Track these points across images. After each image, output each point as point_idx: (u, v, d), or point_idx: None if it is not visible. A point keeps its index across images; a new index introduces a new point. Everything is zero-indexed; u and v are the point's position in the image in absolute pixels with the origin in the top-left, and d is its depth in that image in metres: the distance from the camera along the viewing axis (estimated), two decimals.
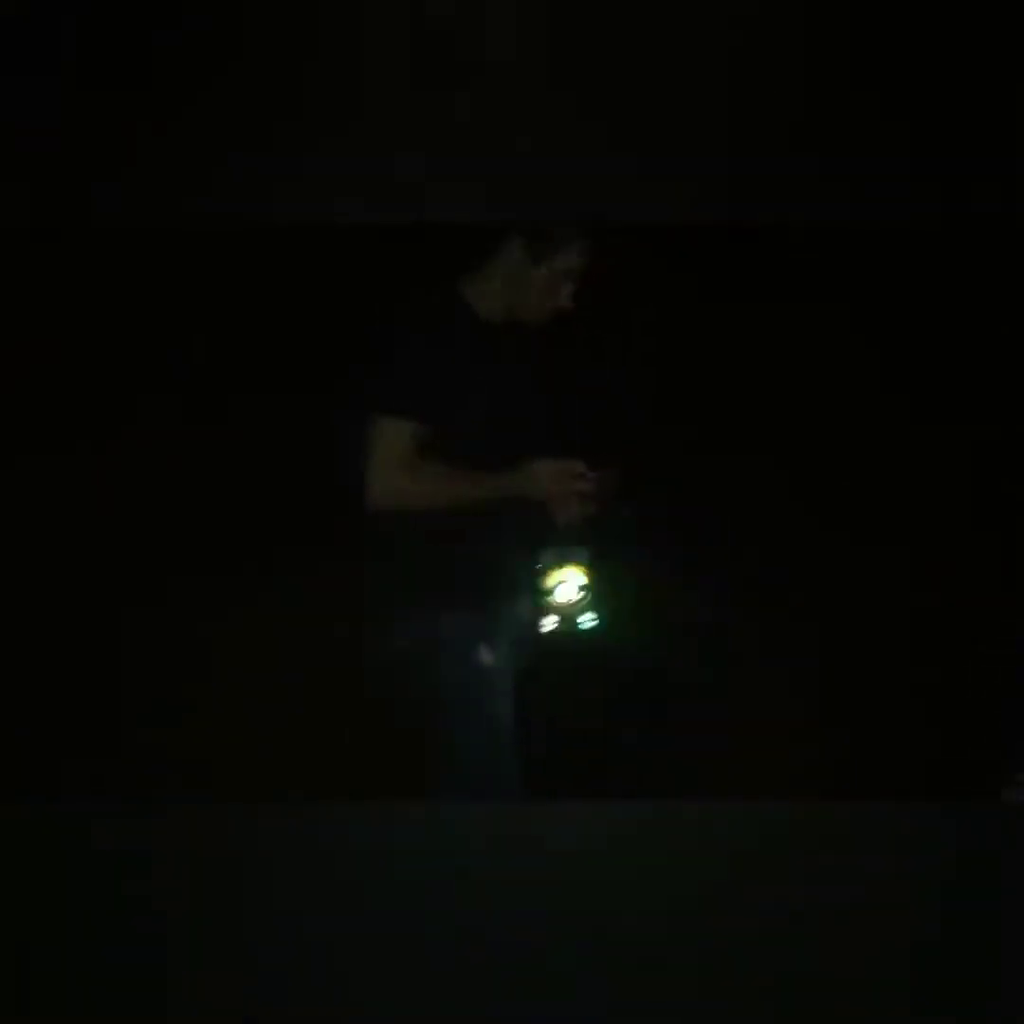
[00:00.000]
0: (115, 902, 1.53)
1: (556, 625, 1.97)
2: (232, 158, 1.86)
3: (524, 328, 1.96)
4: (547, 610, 1.97)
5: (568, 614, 1.96)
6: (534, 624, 1.98)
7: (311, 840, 1.60)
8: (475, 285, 1.94)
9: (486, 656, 1.92)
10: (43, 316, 2.57)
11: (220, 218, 1.90)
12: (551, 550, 1.98)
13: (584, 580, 1.96)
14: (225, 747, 2.45)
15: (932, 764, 2.47)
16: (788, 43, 1.90)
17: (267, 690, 2.58)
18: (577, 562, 1.97)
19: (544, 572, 1.97)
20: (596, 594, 1.97)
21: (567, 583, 1.97)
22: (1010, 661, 2.63)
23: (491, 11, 1.86)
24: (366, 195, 1.91)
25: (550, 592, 1.97)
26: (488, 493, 1.92)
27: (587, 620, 1.97)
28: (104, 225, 1.87)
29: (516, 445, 1.95)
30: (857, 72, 1.92)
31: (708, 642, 2.65)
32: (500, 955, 1.51)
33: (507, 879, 1.58)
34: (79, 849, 1.57)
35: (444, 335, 1.88)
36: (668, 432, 2.75)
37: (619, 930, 1.55)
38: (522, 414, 1.98)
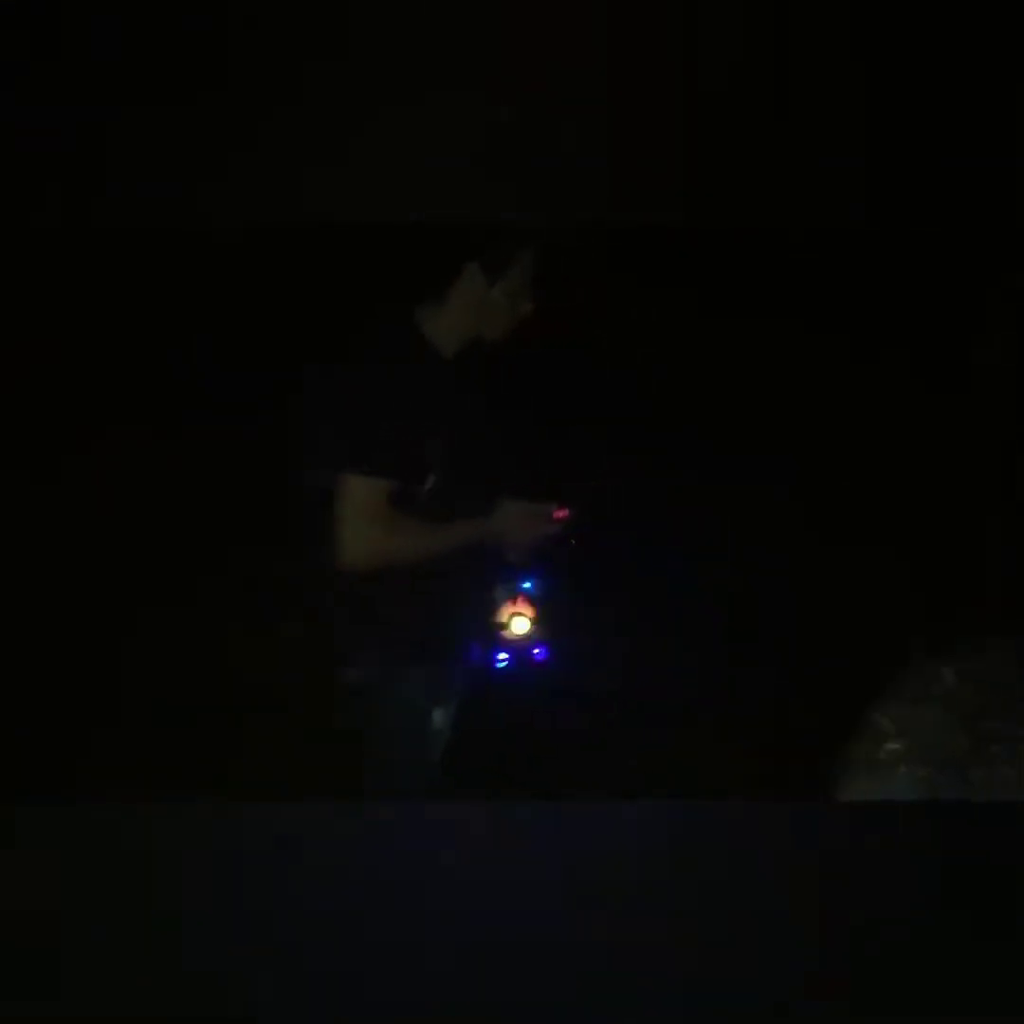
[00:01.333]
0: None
1: (509, 657, 2.01)
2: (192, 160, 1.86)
3: (487, 349, 1.94)
4: (500, 643, 2.01)
5: (520, 646, 2.01)
6: (487, 658, 2.01)
7: (303, 841, 1.61)
8: (435, 319, 1.90)
9: (436, 687, 1.95)
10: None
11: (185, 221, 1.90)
12: (502, 585, 2.01)
13: (533, 612, 2.00)
14: (185, 750, 2.53)
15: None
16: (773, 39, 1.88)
17: (224, 703, 2.64)
18: (527, 595, 2.01)
19: (497, 606, 2.01)
20: (545, 625, 2.01)
21: (519, 616, 2.01)
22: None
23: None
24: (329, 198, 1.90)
25: (504, 626, 2.00)
26: (461, 540, 1.91)
27: (538, 651, 2.01)
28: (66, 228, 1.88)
29: (481, 487, 1.96)
30: (847, 71, 1.90)
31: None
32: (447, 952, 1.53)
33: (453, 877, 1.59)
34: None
35: (410, 385, 1.84)
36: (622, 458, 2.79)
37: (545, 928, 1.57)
38: (485, 454, 1.98)
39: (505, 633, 2.00)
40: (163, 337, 3.86)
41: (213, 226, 2.03)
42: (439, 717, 1.98)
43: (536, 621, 2.00)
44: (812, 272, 3.80)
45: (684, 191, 1.87)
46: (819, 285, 3.96)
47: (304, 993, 1.48)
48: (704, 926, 1.59)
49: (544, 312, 1.97)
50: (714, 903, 1.60)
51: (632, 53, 1.85)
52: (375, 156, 1.89)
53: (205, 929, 1.51)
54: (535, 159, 1.86)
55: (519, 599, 2.02)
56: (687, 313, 4.82)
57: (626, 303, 4.68)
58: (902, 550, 4.16)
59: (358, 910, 1.55)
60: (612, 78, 1.85)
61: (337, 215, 1.94)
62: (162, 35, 1.81)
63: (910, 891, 1.57)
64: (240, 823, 1.64)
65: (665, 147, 1.86)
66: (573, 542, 2.04)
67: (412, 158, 1.90)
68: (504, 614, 2.01)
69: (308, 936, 1.50)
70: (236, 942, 1.49)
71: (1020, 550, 3.62)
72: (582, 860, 1.61)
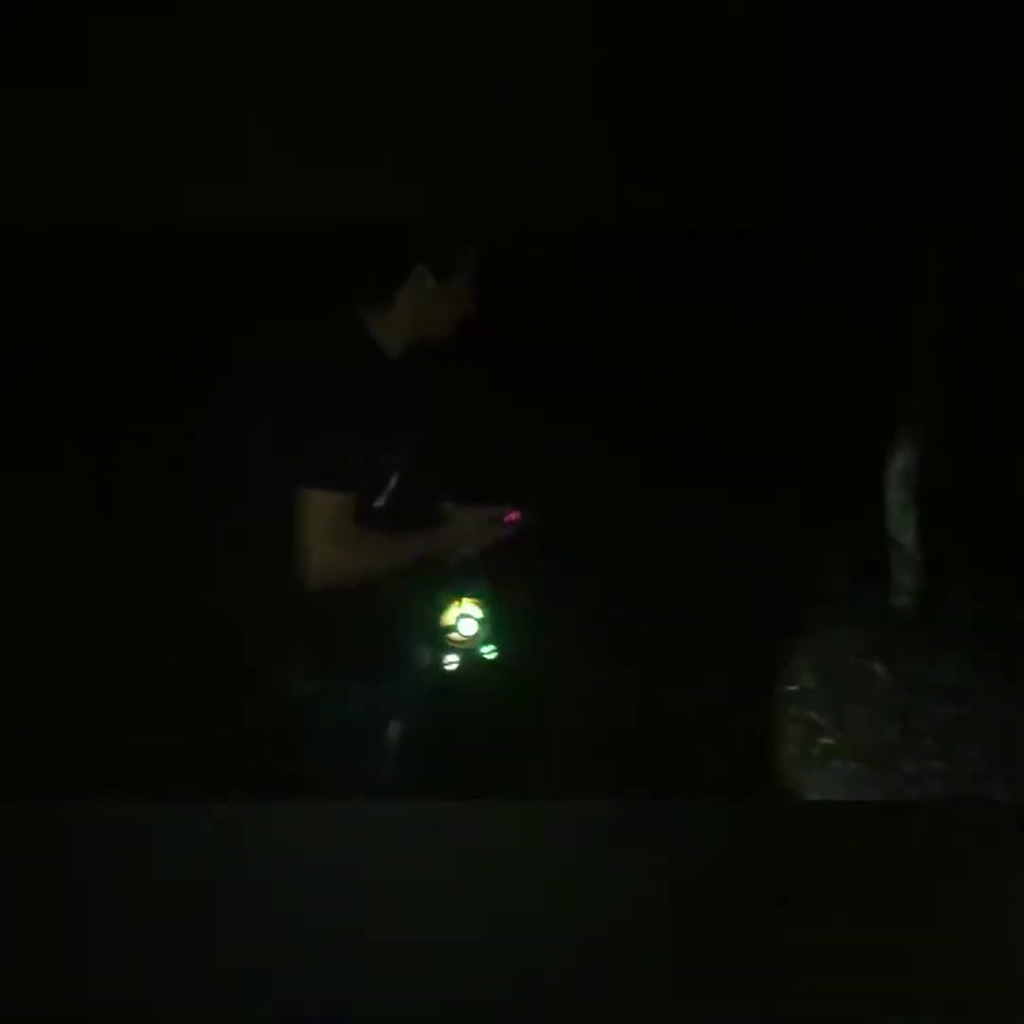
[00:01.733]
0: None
1: (458, 659, 2.02)
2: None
3: (430, 346, 1.91)
4: (449, 645, 2.01)
5: (469, 647, 2.01)
6: (437, 661, 2.02)
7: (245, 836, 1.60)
8: (382, 320, 1.85)
9: (385, 693, 1.96)
10: None
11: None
12: (449, 585, 2.02)
13: (481, 613, 2.01)
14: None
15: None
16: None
17: (177, 706, 2.76)
18: (474, 595, 2.02)
19: (444, 608, 2.02)
20: (494, 625, 2.01)
21: (467, 617, 2.01)
22: None
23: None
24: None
25: (452, 628, 2.01)
26: (421, 552, 1.91)
27: (487, 651, 2.02)
28: None
29: (436, 494, 1.97)
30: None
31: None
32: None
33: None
34: None
35: (367, 398, 1.79)
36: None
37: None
38: (436, 461, 1.96)
39: (453, 635, 2.01)
40: (118, 339, 3.87)
41: (156, 227, 2.01)
42: (389, 722, 1.98)
43: (484, 621, 2.01)
44: (806, 272, 3.86)
45: (673, 191, 1.87)
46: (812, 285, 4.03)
47: (301, 990, 1.47)
48: (642, 923, 1.63)
49: (492, 312, 1.95)
50: (648, 900, 1.64)
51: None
52: (322, 158, 1.89)
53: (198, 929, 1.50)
54: (471, 163, 1.86)
55: (465, 600, 2.02)
56: (635, 311, 4.91)
57: (579, 302, 4.76)
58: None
59: (355, 913, 1.55)
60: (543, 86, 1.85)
61: (284, 217, 1.93)
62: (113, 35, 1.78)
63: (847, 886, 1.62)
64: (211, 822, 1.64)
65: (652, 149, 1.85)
66: (522, 544, 2.03)
67: (361, 160, 1.89)
68: (451, 616, 2.01)
69: (303, 935, 1.50)
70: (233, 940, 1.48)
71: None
72: (540, 858, 1.64)
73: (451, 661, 2.01)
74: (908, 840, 1.67)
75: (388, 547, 1.86)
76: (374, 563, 1.85)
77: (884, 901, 1.62)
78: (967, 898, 1.60)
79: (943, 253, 3.82)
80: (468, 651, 2.02)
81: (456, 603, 2.02)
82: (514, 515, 2.00)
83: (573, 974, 1.53)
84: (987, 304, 4.03)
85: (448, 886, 1.57)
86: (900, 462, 4.14)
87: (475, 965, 1.51)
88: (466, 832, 1.61)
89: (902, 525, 4.17)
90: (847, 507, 4.56)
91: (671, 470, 4.63)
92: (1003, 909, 1.59)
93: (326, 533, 1.75)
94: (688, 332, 4.97)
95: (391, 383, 1.85)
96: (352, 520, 1.77)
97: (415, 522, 1.90)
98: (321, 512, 1.75)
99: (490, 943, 1.54)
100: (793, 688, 3.49)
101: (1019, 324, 4.03)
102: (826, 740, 3.20)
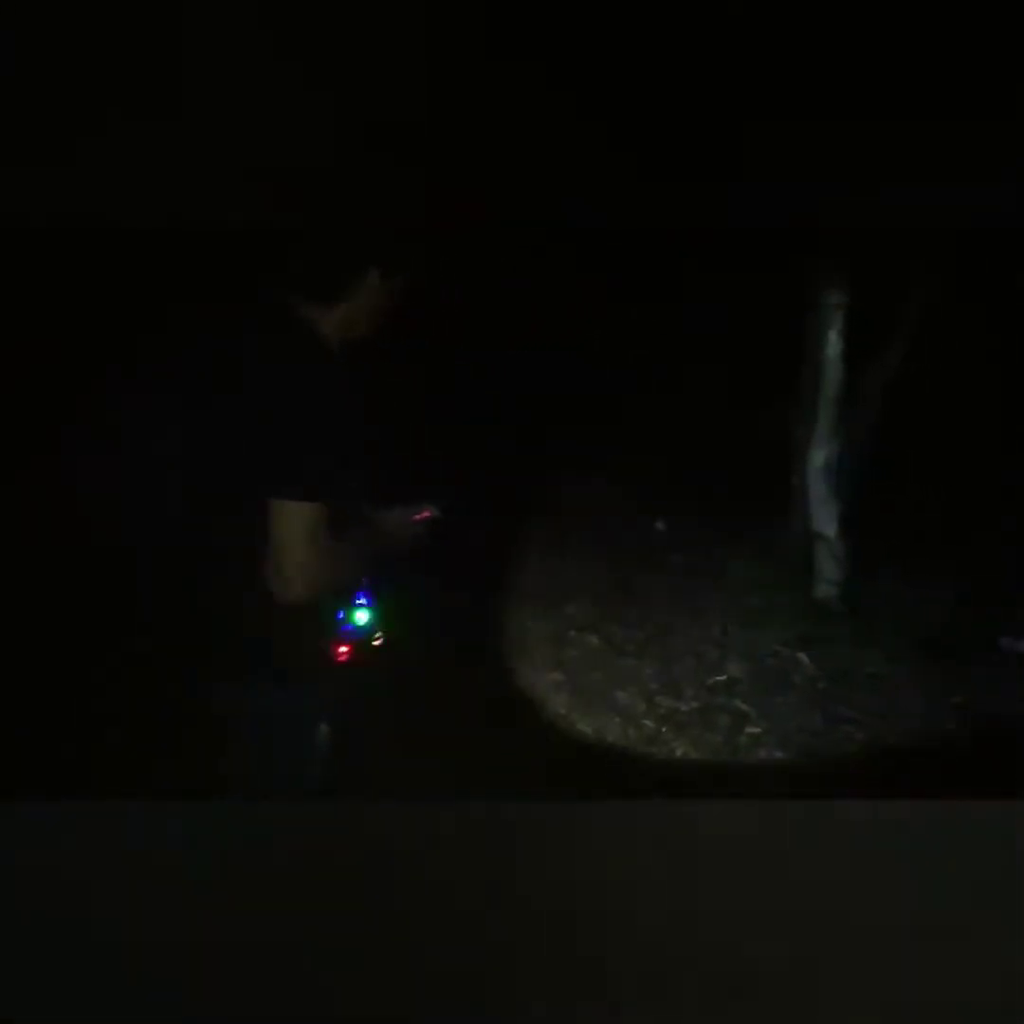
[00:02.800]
0: None
1: (352, 650, 1.94)
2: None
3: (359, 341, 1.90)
4: (346, 636, 1.94)
5: (363, 638, 1.96)
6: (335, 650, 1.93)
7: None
8: (331, 319, 1.84)
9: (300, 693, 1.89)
10: None
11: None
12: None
13: (372, 605, 1.96)
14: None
15: None
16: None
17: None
18: (367, 587, 1.97)
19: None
20: (383, 616, 1.98)
21: (360, 609, 1.95)
22: None
23: None
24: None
25: (347, 621, 1.94)
26: (365, 555, 1.91)
27: (376, 640, 1.98)
28: None
29: (367, 491, 1.91)
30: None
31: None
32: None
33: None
34: None
35: (329, 403, 1.76)
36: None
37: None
38: (369, 457, 1.88)
39: (347, 628, 1.94)
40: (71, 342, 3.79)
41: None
42: (309, 719, 1.93)
43: (374, 613, 1.96)
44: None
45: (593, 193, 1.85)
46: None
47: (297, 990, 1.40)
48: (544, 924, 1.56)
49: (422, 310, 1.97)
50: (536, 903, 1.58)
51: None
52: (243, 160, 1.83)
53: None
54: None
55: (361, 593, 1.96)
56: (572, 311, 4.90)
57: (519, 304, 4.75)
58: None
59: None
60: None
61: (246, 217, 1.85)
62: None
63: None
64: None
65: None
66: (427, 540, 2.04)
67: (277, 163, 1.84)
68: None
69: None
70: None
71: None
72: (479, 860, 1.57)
73: (343, 651, 1.93)
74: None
75: (347, 552, 1.85)
76: (341, 570, 1.84)
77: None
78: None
79: (859, 255, 3.83)
80: (360, 641, 1.95)
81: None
82: (425, 513, 2.04)
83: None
84: (909, 306, 4.08)
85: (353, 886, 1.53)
86: (823, 456, 4.15)
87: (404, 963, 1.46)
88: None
89: (825, 519, 4.18)
90: (772, 501, 4.56)
91: (586, 463, 4.60)
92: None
93: (300, 544, 1.72)
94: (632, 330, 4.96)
95: (344, 382, 1.81)
96: (324, 528, 1.75)
97: (352, 525, 1.86)
98: (295, 523, 1.72)
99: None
100: (720, 678, 3.51)
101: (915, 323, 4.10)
102: (752, 729, 3.21)
